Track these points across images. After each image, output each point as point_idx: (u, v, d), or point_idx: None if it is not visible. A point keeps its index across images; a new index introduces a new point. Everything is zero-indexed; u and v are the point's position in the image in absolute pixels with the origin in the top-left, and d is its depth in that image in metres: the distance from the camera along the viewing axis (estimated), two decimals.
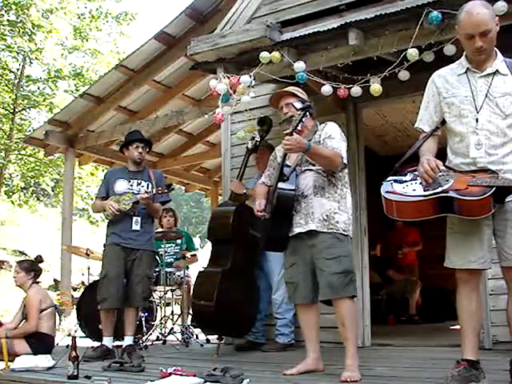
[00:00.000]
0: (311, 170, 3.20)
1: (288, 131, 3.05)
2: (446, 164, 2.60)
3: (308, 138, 3.12)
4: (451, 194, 2.37)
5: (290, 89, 3.42)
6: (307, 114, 3.12)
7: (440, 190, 2.41)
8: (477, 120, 2.49)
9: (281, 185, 3.15)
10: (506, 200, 2.45)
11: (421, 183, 2.49)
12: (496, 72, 2.51)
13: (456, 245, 2.58)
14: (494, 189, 2.32)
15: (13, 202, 14.36)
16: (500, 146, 2.48)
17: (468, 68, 2.56)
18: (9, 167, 13.69)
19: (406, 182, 2.55)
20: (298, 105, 3.22)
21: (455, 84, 2.58)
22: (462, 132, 2.54)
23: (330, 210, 3.14)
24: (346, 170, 3.27)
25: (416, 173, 2.55)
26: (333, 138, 3.20)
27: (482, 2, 2.53)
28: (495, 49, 2.55)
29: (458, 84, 2.57)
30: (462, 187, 2.37)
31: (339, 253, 3.10)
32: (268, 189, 3.42)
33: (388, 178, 2.62)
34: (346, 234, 3.16)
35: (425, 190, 2.45)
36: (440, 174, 2.46)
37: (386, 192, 2.54)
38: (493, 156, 2.47)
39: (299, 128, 3.07)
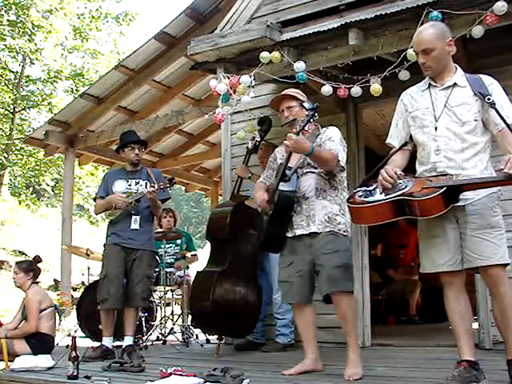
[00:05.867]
0: (313, 172, 3.20)
1: (295, 130, 3.03)
2: (416, 175, 2.72)
3: (310, 141, 3.11)
4: (404, 196, 2.48)
5: (291, 91, 3.40)
6: (316, 114, 3.08)
7: (395, 194, 2.52)
8: (436, 128, 2.63)
9: (282, 186, 3.15)
10: (466, 203, 2.53)
11: (381, 191, 2.60)
12: (454, 84, 2.65)
13: (425, 250, 2.69)
14: (445, 188, 2.40)
15: (20, 203, 14.37)
16: (459, 151, 2.58)
17: (430, 83, 2.72)
18: (12, 167, 13.70)
19: (369, 191, 2.67)
20: (308, 105, 3.13)
21: (419, 99, 2.74)
22: (424, 141, 2.68)
23: (332, 212, 3.15)
24: (345, 175, 3.28)
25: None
26: (332, 140, 3.22)
27: (434, 23, 2.81)
28: (455, 65, 2.70)
29: (421, 99, 2.74)
30: (417, 190, 2.48)
31: (338, 247, 3.11)
32: (266, 187, 3.41)
33: (355, 190, 2.78)
34: (346, 234, 3.18)
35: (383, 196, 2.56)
36: (400, 181, 2.58)
37: (349, 202, 2.68)
38: (452, 161, 2.58)
39: (306, 128, 3.05)
